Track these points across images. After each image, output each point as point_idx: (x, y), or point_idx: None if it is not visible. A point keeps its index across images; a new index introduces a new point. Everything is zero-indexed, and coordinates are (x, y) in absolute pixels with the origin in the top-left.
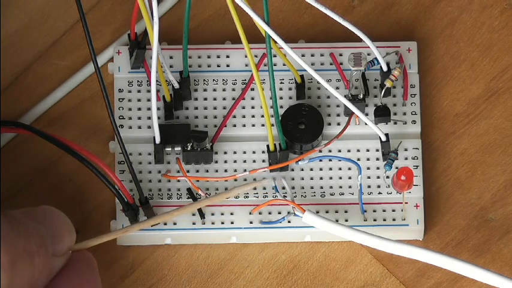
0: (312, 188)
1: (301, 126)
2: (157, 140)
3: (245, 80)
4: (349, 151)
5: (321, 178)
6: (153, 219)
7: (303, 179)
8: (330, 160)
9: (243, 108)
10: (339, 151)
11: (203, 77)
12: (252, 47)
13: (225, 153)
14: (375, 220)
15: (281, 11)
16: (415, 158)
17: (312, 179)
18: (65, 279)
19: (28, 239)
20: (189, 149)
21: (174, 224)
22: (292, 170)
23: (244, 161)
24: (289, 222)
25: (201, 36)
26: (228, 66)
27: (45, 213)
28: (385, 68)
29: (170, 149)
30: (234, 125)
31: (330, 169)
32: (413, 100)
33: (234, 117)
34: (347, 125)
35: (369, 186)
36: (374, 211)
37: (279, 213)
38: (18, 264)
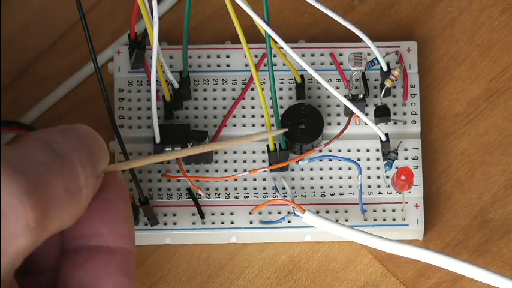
0: (312, 188)
1: (301, 126)
2: (157, 140)
3: (245, 80)
4: (349, 151)
5: (321, 178)
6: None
7: (303, 179)
8: (330, 160)
9: (243, 108)
10: (339, 151)
11: (203, 77)
12: (252, 47)
13: (225, 153)
14: (375, 220)
15: (281, 11)
16: (415, 158)
17: (312, 179)
18: (97, 205)
19: (73, 173)
20: None
21: (174, 224)
22: (292, 170)
23: (244, 161)
24: (289, 222)
25: (201, 36)
26: (228, 66)
27: (86, 134)
28: (385, 68)
29: (170, 149)
30: (234, 125)
31: (330, 169)
32: (413, 100)
33: (234, 117)
34: (347, 125)
35: (369, 186)
36: (374, 211)
37: (279, 213)
38: (53, 211)
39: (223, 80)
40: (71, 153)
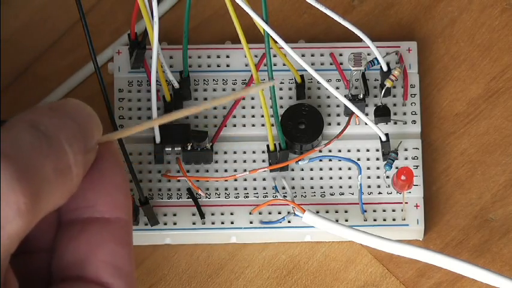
0: (312, 188)
1: (301, 126)
2: (157, 140)
3: (245, 80)
4: (349, 151)
5: (321, 178)
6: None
7: (303, 179)
8: (330, 160)
9: (243, 108)
10: (339, 151)
11: (203, 77)
12: (252, 47)
13: (225, 153)
14: (375, 220)
15: (281, 11)
16: (415, 158)
17: (312, 179)
18: (91, 177)
19: (61, 153)
20: (189, 149)
21: (174, 224)
22: (292, 170)
23: (244, 161)
24: (289, 222)
25: (201, 36)
26: (228, 66)
27: (75, 108)
28: (385, 68)
29: (170, 149)
30: (234, 125)
31: (330, 169)
32: (413, 100)
33: (234, 117)
34: (347, 125)
35: (369, 186)
36: (374, 211)
37: (279, 213)
38: (44, 193)
39: (223, 80)
40: (58, 132)
